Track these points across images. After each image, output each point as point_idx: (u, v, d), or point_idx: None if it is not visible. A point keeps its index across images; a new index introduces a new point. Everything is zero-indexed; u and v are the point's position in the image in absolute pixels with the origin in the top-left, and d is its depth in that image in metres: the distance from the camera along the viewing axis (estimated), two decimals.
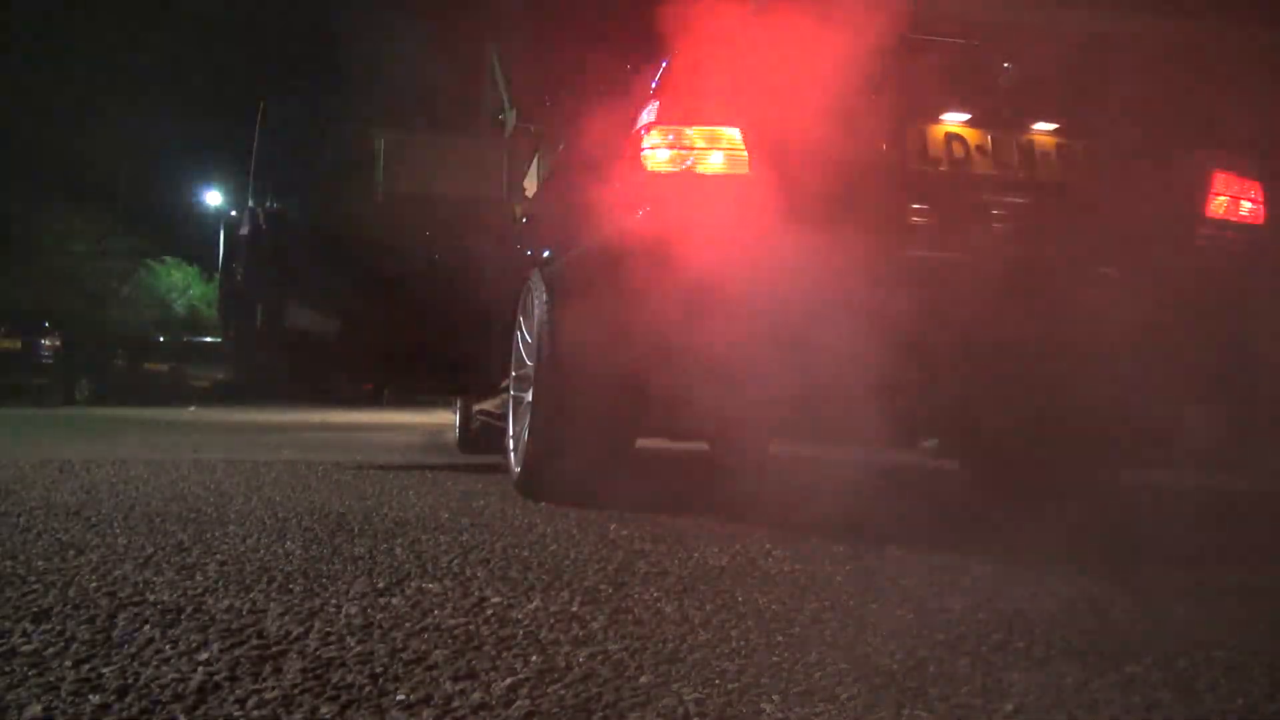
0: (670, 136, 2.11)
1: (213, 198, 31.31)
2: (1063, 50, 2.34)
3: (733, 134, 2.10)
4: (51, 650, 1.12)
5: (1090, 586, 1.69)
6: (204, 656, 1.11)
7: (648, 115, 2.16)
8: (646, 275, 2.10)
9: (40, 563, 1.66)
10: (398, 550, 1.88)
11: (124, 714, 0.93)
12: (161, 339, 23.76)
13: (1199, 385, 2.50)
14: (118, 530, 2.06)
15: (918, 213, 2.17)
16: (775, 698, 1.02)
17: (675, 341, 2.16)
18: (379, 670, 1.08)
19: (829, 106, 2.07)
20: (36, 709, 0.93)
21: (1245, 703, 1.04)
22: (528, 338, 3.01)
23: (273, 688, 1.01)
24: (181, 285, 34.12)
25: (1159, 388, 2.47)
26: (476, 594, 1.48)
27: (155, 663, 1.08)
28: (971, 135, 2.18)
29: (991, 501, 3.24)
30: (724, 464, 5.13)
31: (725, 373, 2.08)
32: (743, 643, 1.23)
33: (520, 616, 1.34)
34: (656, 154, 2.12)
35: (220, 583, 1.53)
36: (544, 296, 2.72)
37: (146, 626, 1.24)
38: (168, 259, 34.46)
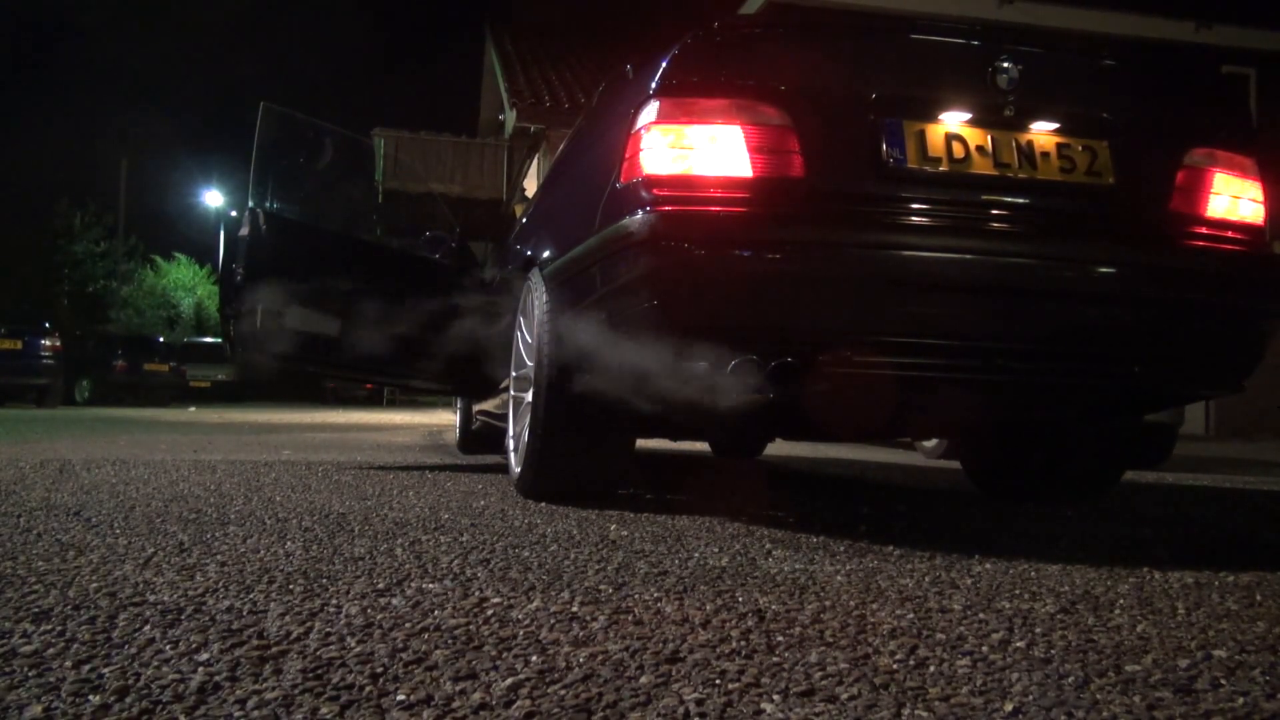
0: (670, 137, 2.11)
1: (213, 198, 31.38)
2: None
3: (733, 133, 2.09)
4: (52, 651, 1.12)
5: (1091, 586, 1.69)
6: (204, 657, 1.11)
7: (647, 115, 2.15)
8: (646, 275, 2.10)
9: (41, 563, 1.66)
10: (398, 550, 1.88)
11: (124, 714, 0.92)
12: (161, 339, 23.77)
13: (1200, 384, 2.51)
14: (118, 531, 2.06)
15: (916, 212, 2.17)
16: (776, 698, 1.02)
17: (675, 341, 2.16)
18: (379, 670, 1.08)
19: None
20: (37, 709, 0.93)
21: (1246, 702, 1.03)
22: (528, 338, 3.01)
23: (273, 688, 1.01)
24: (188, 283, 34.19)
25: (1160, 386, 2.47)
26: (477, 594, 1.48)
27: (155, 663, 1.08)
28: (972, 135, 2.18)
29: (991, 501, 3.24)
30: (723, 464, 5.14)
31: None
32: (743, 643, 1.23)
33: (520, 617, 1.34)
34: (656, 154, 2.12)
35: (221, 583, 1.53)
36: (543, 297, 2.72)
37: (147, 627, 1.24)
38: (178, 255, 34.37)
